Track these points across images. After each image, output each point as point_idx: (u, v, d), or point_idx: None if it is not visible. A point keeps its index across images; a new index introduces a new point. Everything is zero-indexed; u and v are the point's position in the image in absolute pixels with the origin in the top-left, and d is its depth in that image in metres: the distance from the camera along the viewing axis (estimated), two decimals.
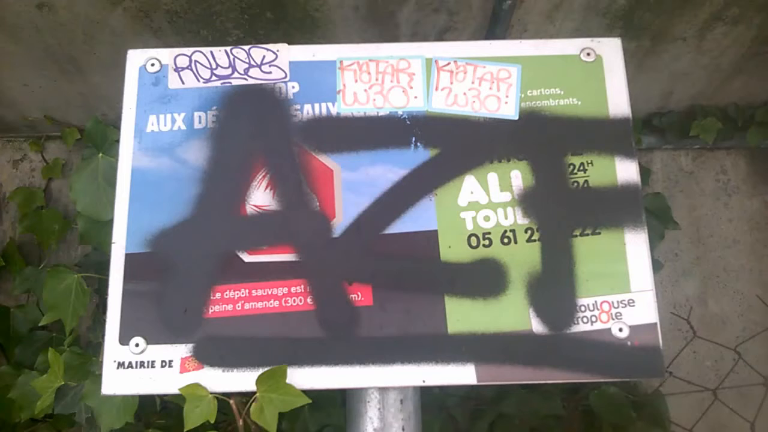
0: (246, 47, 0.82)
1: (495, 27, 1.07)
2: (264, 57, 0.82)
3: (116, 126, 0.94)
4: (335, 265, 0.75)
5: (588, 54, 0.82)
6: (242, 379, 0.72)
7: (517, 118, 0.80)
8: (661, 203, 1.41)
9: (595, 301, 0.74)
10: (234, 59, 0.82)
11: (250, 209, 0.77)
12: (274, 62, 0.82)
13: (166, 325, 0.73)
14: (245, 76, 0.81)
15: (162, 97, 0.80)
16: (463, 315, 0.74)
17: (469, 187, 0.78)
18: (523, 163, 0.79)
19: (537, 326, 0.74)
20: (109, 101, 1.33)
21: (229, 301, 0.74)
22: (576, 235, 0.76)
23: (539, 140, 0.79)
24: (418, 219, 0.77)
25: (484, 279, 0.75)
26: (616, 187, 0.78)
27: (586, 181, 0.78)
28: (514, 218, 0.77)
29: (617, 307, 0.74)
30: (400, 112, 0.80)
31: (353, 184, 0.78)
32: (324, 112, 0.80)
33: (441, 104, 0.80)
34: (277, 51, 0.82)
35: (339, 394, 1.19)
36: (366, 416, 0.78)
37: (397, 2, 1.06)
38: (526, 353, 0.73)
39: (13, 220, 1.44)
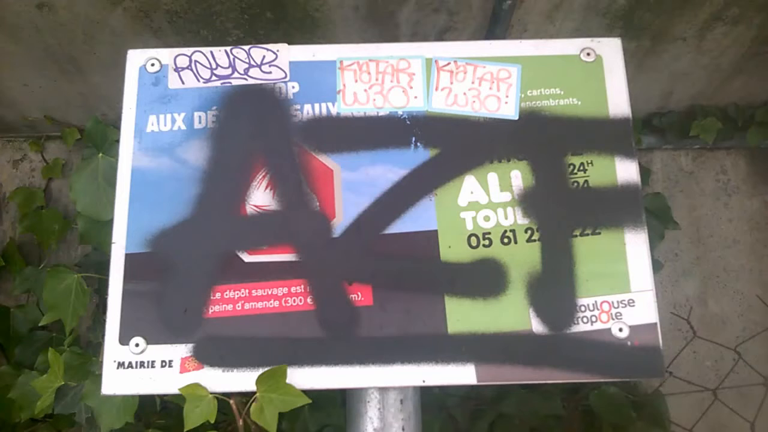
0: (246, 47, 0.82)
1: (495, 27, 1.07)
2: (264, 57, 0.82)
3: (116, 126, 0.94)
4: (335, 265, 0.75)
5: (588, 54, 0.82)
6: (242, 379, 0.72)
7: (517, 118, 0.80)
8: (661, 203, 1.41)
9: (595, 301, 0.74)
10: (234, 59, 0.82)
11: (250, 209, 0.77)
12: (274, 62, 0.82)
13: (166, 325, 0.73)
14: (245, 76, 0.81)
15: (162, 97, 0.80)
16: (463, 315, 0.74)
17: (469, 187, 0.78)
18: (523, 163, 0.79)
19: (537, 326, 0.74)
20: (109, 101, 1.33)
21: (229, 301, 0.74)
22: (576, 235, 0.76)
23: (539, 140, 0.79)
24: (418, 219, 0.77)
25: (484, 279, 0.75)
26: (616, 187, 0.78)
27: (586, 181, 0.78)
28: (514, 218, 0.77)
29: (617, 307, 0.74)
30: (400, 112, 0.80)
31: (353, 184, 0.78)
32: (324, 112, 0.80)
33: (441, 104, 0.80)
34: (277, 51, 0.82)
35: (339, 394, 1.19)
36: (366, 416, 0.78)
37: (397, 2, 1.06)
38: (526, 353, 0.73)
39: (13, 220, 1.44)
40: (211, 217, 0.77)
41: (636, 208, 0.77)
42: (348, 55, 0.82)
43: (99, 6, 1.04)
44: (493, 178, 0.78)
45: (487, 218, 0.77)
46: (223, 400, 0.74)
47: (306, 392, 0.71)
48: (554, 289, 0.75)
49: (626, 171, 0.78)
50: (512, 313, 0.74)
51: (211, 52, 0.82)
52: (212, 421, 0.71)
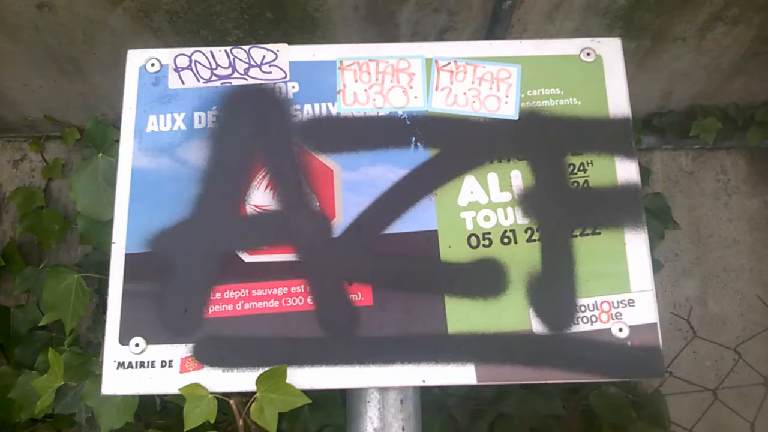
0: (246, 47, 0.82)
1: (495, 27, 1.07)
2: (264, 57, 0.82)
3: (116, 126, 0.94)
4: (335, 265, 0.75)
5: (588, 54, 0.82)
6: (242, 379, 0.72)
7: (517, 118, 0.80)
8: (661, 203, 1.41)
9: (595, 301, 0.74)
10: (234, 59, 0.82)
11: (250, 209, 0.77)
12: (274, 62, 0.82)
13: (166, 325, 0.73)
14: (245, 76, 0.81)
15: (162, 97, 0.80)
16: (463, 315, 0.74)
17: (469, 187, 0.78)
18: (523, 163, 0.79)
19: (537, 326, 0.74)
20: (109, 101, 1.33)
21: (229, 301, 0.74)
22: (576, 235, 0.76)
23: (539, 140, 0.79)
24: (418, 219, 0.77)
25: (484, 279, 0.75)
26: (616, 187, 0.78)
27: (586, 181, 0.78)
28: (514, 218, 0.77)
29: (617, 307, 0.74)
30: (400, 112, 0.80)
31: (353, 184, 0.78)
32: (324, 112, 0.80)
33: (441, 104, 0.80)
34: (277, 51, 0.82)
35: (339, 394, 1.19)
36: (366, 416, 0.78)
37: (397, 2, 1.06)
38: (526, 353, 0.73)
39: (13, 220, 1.44)
40: (211, 217, 0.77)
41: (636, 208, 0.77)
42: (348, 55, 0.82)
43: (99, 6, 1.04)
44: (493, 178, 0.78)
45: (487, 218, 0.77)
46: (223, 400, 0.74)
47: (306, 392, 0.71)
48: (554, 289, 0.75)
49: (626, 171, 0.78)
50: (512, 313, 0.74)
51: (211, 52, 0.82)
52: (212, 421, 0.71)
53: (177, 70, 0.81)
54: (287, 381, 0.71)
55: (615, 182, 0.78)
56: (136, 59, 0.82)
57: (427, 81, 0.81)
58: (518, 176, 0.78)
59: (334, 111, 0.80)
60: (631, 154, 0.78)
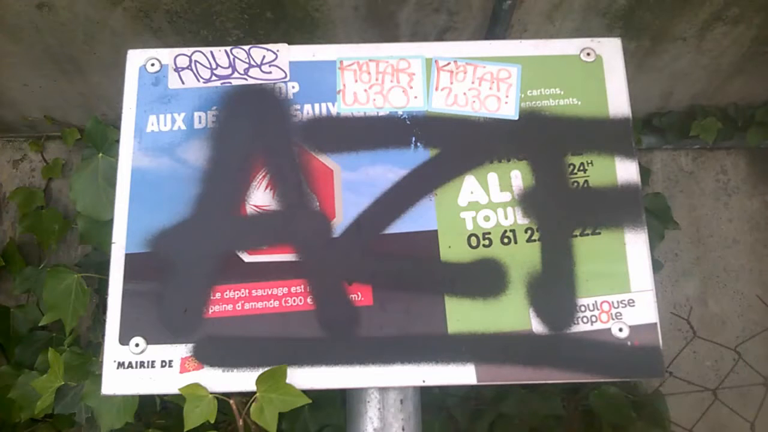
0: (246, 47, 0.82)
1: (495, 27, 1.07)
2: (264, 57, 0.82)
3: (116, 126, 0.94)
4: (335, 265, 0.75)
5: (588, 54, 0.82)
6: (242, 379, 0.72)
7: (517, 118, 0.80)
8: (661, 203, 1.41)
9: (595, 301, 0.74)
10: (234, 59, 0.82)
11: (250, 209, 0.77)
12: (274, 62, 0.82)
13: (166, 325, 0.73)
14: (245, 76, 0.81)
15: (162, 97, 0.80)
16: (463, 315, 0.74)
17: (469, 187, 0.78)
18: (523, 163, 0.79)
19: (537, 326, 0.74)
20: (109, 101, 1.33)
21: (229, 301, 0.74)
22: (576, 235, 0.76)
23: (539, 140, 0.79)
24: (418, 219, 0.77)
25: (484, 279, 0.75)
26: (616, 187, 0.78)
27: (586, 181, 0.78)
28: (514, 218, 0.77)
29: (617, 307, 0.74)
30: (400, 112, 0.80)
31: (353, 184, 0.78)
32: (324, 112, 0.80)
33: (441, 104, 0.80)
34: (277, 51, 0.82)
35: (339, 394, 1.19)
36: (366, 416, 0.78)
37: (397, 2, 1.06)
38: (526, 353, 0.73)
39: (13, 220, 1.44)
40: (211, 217, 0.77)
41: (636, 208, 0.77)
42: (348, 55, 0.82)
43: (99, 6, 1.04)
44: (493, 178, 0.78)
45: (487, 218, 0.77)
46: (223, 400, 0.74)
47: (306, 392, 0.71)
48: (554, 289, 0.75)
49: (626, 171, 0.78)
50: (512, 313, 0.74)
51: (211, 52, 0.82)
52: (212, 421, 0.71)
53: (177, 70, 0.81)
54: (287, 381, 0.71)
55: (615, 182, 0.78)
56: (136, 59, 0.82)
57: (427, 81, 0.81)
58: (518, 176, 0.78)
59: (334, 111, 0.80)
60: (631, 154, 0.78)
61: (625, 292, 0.75)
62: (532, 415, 1.24)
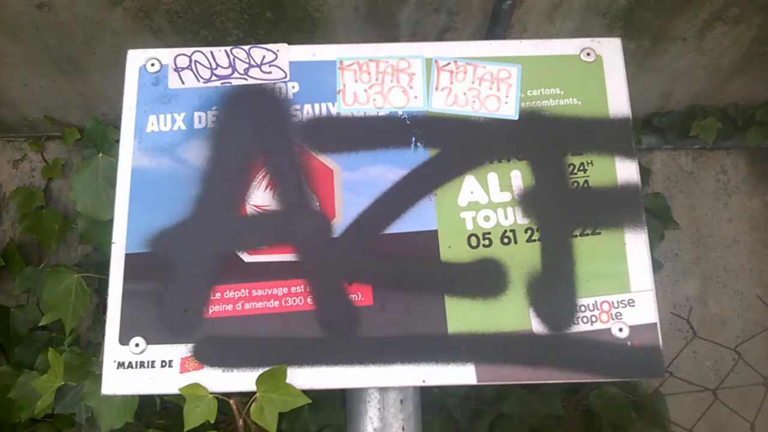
0: (246, 47, 0.82)
1: (495, 27, 1.07)
2: (264, 57, 0.82)
3: (116, 126, 0.94)
4: (335, 265, 0.75)
5: (588, 54, 0.82)
6: (242, 379, 0.72)
7: (517, 118, 0.80)
8: (661, 203, 1.41)
9: (595, 301, 0.74)
10: (234, 59, 0.82)
11: (250, 209, 0.77)
12: (274, 62, 0.82)
13: (166, 325, 0.73)
14: (245, 76, 0.81)
15: (162, 97, 0.80)
16: (463, 315, 0.74)
17: (469, 187, 0.78)
18: (523, 163, 0.79)
19: (537, 326, 0.74)
20: (109, 101, 1.33)
21: (229, 301, 0.74)
22: (576, 235, 0.76)
23: (539, 140, 0.79)
24: (418, 219, 0.77)
25: (484, 279, 0.75)
26: (616, 187, 0.78)
27: (586, 181, 0.78)
28: (514, 218, 0.77)
29: (617, 307, 0.74)
30: (400, 112, 0.80)
31: (353, 184, 0.78)
32: (324, 112, 0.80)
33: (441, 104, 0.80)
34: (277, 51, 0.82)
35: (339, 394, 1.19)
36: (366, 416, 0.78)
37: (397, 2, 1.06)
38: (526, 353, 0.73)
39: (13, 220, 1.44)
40: (211, 217, 0.77)
41: (636, 208, 0.77)
42: (348, 55, 0.82)
43: (99, 6, 1.04)
44: (493, 178, 0.78)
45: (487, 218, 0.77)
46: (223, 400, 0.74)
47: (306, 392, 0.71)
48: (554, 289, 0.75)
49: (626, 171, 0.78)
50: (512, 313, 0.74)
51: (211, 52, 0.82)
52: (212, 421, 0.71)
53: (177, 70, 0.81)
54: (287, 381, 0.71)
55: (615, 182, 0.78)
56: (136, 59, 0.82)
57: (427, 81, 0.81)
58: (518, 176, 0.78)
59: (334, 111, 0.80)
60: (631, 154, 0.78)
61: (625, 292, 0.75)
62: (532, 415, 1.24)
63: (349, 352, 0.73)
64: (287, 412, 0.71)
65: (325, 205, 0.77)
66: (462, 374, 0.72)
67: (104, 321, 0.74)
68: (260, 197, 0.77)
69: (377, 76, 0.81)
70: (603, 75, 0.81)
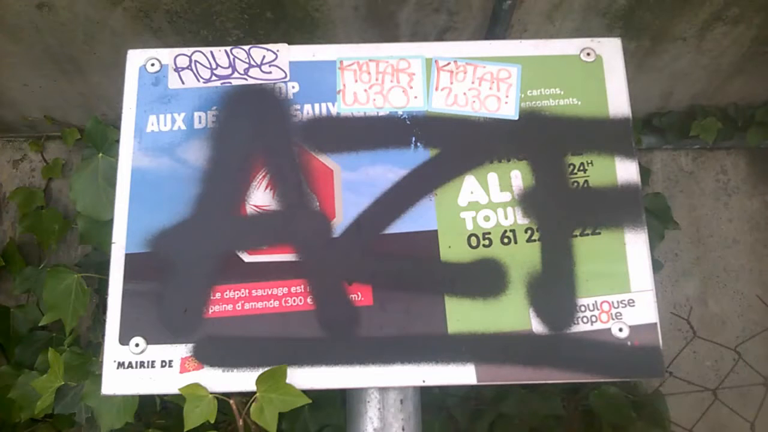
0: (246, 47, 0.82)
1: (495, 27, 1.07)
2: (264, 57, 0.82)
3: (116, 126, 0.94)
4: (335, 265, 0.75)
5: (588, 54, 0.82)
6: (242, 379, 0.72)
7: (517, 118, 0.80)
8: (661, 203, 1.41)
9: (595, 301, 0.74)
10: (234, 59, 0.82)
11: (250, 209, 0.77)
12: (274, 62, 0.82)
13: (166, 325, 0.73)
14: (245, 76, 0.81)
15: (162, 97, 0.80)
16: (463, 315, 0.74)
17: (469, 187, 0.78)
18: (523, 163, 0.79)
19: (537, 326, 0.74)
20: (109, 101, 1.33)
21: (229, 301, 0.74)
22: (576, 235, 0.76)
23: (539, 140, 0.79)
24: (418, 219, 0.77)
25: (484, 279, 0.75)
26: (616, 187, 0.78)
27: (586, 181, 0.78)
28: (514, 218, 0.77)
29: (617, 307, 0.74)
30: (400, 112, 0.80)
31: (353, 184, 0.78)
32: (324, 112, 0.80)
33: (441, 104, 0.80)
34: (277, 51, 0.82)
35: (339, 394, 1.19)
36: (366, 416, 0.78)
37: (397, 2, 1.06)
38: (526, 353, 0.73)
39: (13, 220, 1.44)
40: (211, 217, 0.77)
41: (636, 208, 0.77)
42: (348, 55, 0.82)
43: (99, 6, 1.04)
44: (493, 178, 0.78)
45: (487, 218, 0.77)
46: (223, 400, 0.74)
47: (306, 392, 0.71)
48: (554, 289, 0.75)
49: (626, 171, 0.78)
50: (512, 313, 0.74)
51: (211, 52, 0.82)
52: (212, 421, 0.71)
53: (177, 70, 0.81)
54: (287, 381, 0.71)
55: (615, 182, 0.78)
56: (136, 59, 0.82)
57: (427, 81, 0.81)
58: (518, 176, 0.78)
59: (334, 111, 0.80)
60: (631, 154, 0.78)
61: (625, 292, 0.75)
62: (532, 415, 1.24)
63: (349, 352, 0.73)
64: (287, 412, 0.71)
65: (325, 205, 0.77)
66: (462, 374, 0.72)
67: (104, 321, 0.74)
68: (260, 197, 0.77)
69: (377, 76, 0.81)
70: (603, 75, 0.81)
